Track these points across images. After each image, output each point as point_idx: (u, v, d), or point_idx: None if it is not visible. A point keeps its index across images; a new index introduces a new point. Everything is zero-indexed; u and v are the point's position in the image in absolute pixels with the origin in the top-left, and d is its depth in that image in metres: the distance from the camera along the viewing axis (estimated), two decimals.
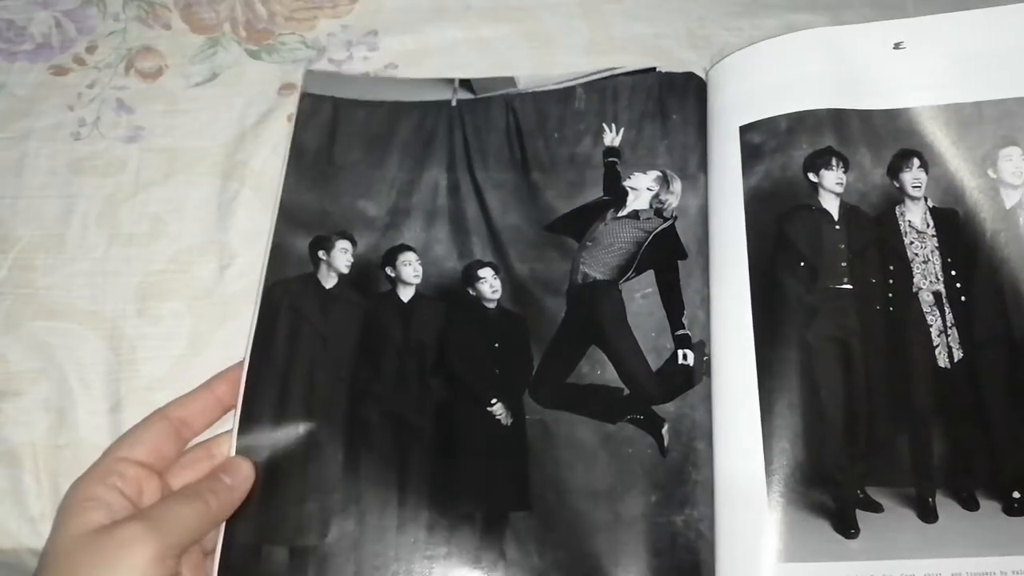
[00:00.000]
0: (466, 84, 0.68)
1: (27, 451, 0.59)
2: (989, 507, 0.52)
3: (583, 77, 0.67)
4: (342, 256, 0.61)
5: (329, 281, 0.61)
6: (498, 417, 0.57)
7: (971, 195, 0.56)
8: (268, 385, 0.56)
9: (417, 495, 0.54)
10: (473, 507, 0.54)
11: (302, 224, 0.62)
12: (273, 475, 0.54)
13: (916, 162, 0.57)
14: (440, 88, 0.68)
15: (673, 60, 0.71)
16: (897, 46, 0.59)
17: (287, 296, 0.59)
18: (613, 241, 0.61)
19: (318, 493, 0.54)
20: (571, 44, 0.73)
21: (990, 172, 0.56)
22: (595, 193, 0.63)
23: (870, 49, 0.60)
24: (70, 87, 0.71)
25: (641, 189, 0.62)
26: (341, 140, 0.65)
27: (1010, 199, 0.55)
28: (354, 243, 0.62)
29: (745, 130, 0.60)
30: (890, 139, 0.57)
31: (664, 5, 0.75)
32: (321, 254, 0.61)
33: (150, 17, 0.74)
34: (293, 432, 0.55)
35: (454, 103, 0.67)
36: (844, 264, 0.56)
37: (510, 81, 0.68)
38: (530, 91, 0.67)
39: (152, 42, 0.73)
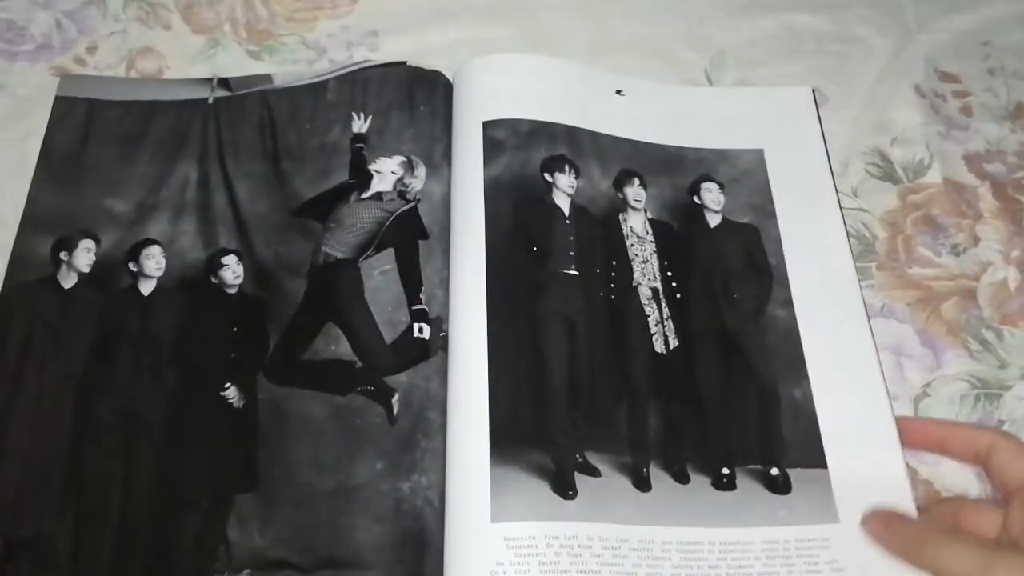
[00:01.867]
0: (224, 82, 0.69)
1: None
2: (700, 481, 0.55)
3: (337, 71, 0.68)
4: (84, 256, 0.60)
5: (68, 281, 0.60)
6: (231, 401, 0.56)
7: (683, 215, 0.63)
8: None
9: (142, 489, 0.53)
10: (198, 494, 0.54)
11: (46, 226, 0.61)
12: None
13: (637, 181, 0.64)
14: (199, 87, 0.69)
15: (673, 60, 0.72)
16: (619, 92, 0.67)
17: (23, 299, 0.59)
18: (355, 221, 0.62)
19: (38, 487, 0.53)
20: (571, 44, 0.73)
21: (695, 199, 0.63)
22: (342, 178, 0.63)
23: (597, 89, 0.67)
24: None
25: (386, 172, 0.63)
26: (93, 140, 0.65)
27: (713, 221, 0.63)
28: (98, 242, 0.61)
29: (488, 125, 0.63)
30: (616, 159, 0.64)
31: (664, 5, 0.75)
32: (63, 255, 0.60)
33: (151, 18, 0.74)
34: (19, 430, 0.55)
35: (211, 101, 0.67)
36: (572, 253, 0.61)
37: (267, 78, 0.69)
38: (285, 86, 0.68)
39: (153, 43, 0.73)
